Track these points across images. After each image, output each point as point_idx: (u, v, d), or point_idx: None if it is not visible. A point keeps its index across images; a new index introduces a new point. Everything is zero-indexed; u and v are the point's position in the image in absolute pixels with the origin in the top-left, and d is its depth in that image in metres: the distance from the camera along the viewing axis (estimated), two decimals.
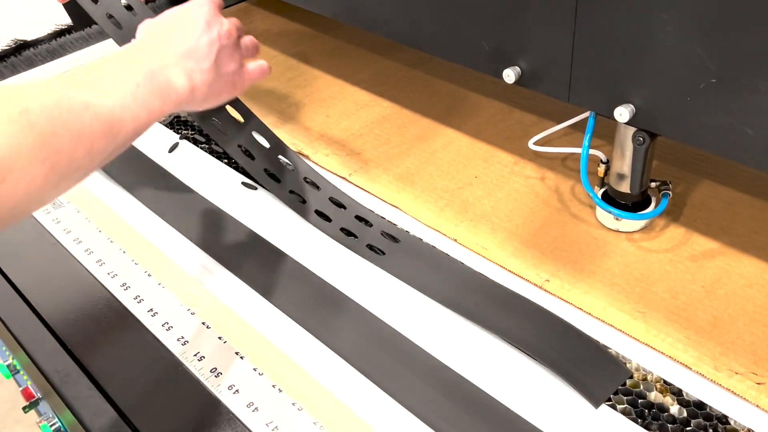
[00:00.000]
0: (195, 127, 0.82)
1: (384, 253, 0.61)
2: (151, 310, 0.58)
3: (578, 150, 0.61)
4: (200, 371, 0.53)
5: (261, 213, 0.68)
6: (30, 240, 0.67)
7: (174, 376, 0.53)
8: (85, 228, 0.67)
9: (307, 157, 0.74)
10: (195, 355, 0.54)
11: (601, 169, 0.62)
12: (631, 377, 0.51)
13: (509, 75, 0.56)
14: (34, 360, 0.56)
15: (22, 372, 0.86)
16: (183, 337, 0.56)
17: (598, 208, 0.62)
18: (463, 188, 0.68)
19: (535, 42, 0.54)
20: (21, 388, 0.87)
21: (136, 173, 0.74)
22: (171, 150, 0.78)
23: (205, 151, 0.78)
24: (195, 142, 0.79)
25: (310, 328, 0.56)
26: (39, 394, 0.85)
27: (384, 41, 0.94)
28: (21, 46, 0.97)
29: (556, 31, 0.52)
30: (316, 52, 0.94)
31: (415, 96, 0.83)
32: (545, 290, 0.57)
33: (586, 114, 0.61)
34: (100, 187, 0.72)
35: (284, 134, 0.78)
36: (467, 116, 0.78)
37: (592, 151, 0.61)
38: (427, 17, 0.61)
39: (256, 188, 0.71)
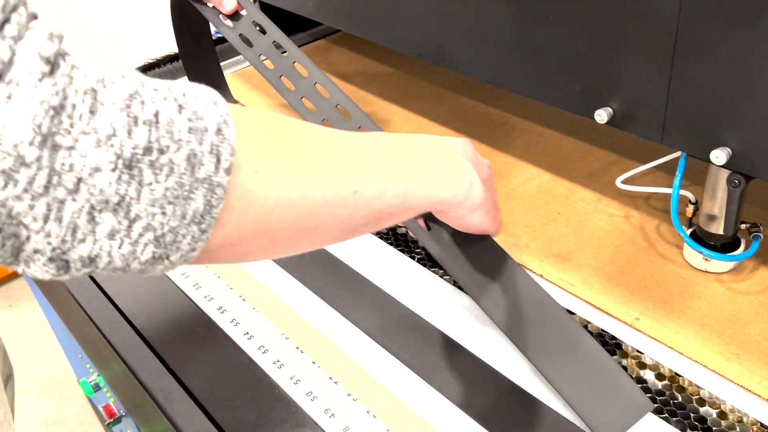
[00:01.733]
0: None
1: None
2: (247, 333, 0.60)
3: (666, 190, 0.61)
4: (295, 394, 0.55)
5: (346, 248, 0.70)
6: None
7: (270, 399, 0.55)
8: None
9: None
10: (291, 378, 0.56)
11: (690, 209, 0.63)
12: (726, 418, 0.51)
13: (601, 116, 0.57)
14: (137, 376, 0.59)
15: (105, 389, 0.89)
16: (279, 360, 0.58)
17: (686, 247, 0.63)
18: (546, 224, 0.69)
19: (628, 84, 0.55)
20: (102, 405, 0.91)
21: None
22: None
23: None
24: None
25: (392, 351, 0.57)
26: (122, 412, 0.88)
27: (459, 78, 0.96)
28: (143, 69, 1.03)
29: (651, 74, 0.53)
30: (393, 88, 0.97)
31: (492, 132, 0.85)
32: (636, 329, 0.57)
33: (675, 154, 0.62)
34: None
35: None
36: (546, 153, 0.80)
37: (680, 192, 0.61)
38: (518, 58, 0.62)
39: None
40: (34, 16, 0.28)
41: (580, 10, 0.56)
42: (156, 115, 0.30)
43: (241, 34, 0.74)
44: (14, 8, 0.27)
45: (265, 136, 0.35)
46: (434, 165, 0.45)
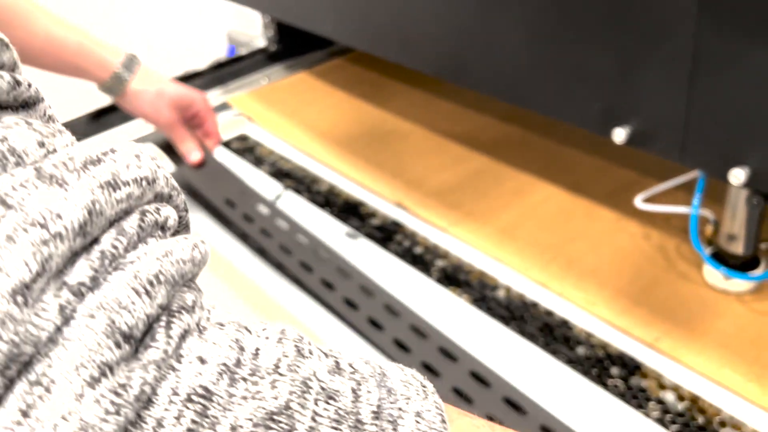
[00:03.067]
0: (296, 177, 0.86)
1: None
2: None
3: (686, 209, 0.61)
4: None
5: (365, 261, 0.70)
6: None
7: None
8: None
9: (406, 208, 0.77)
10: None
11: (710, 229, 0.62)
12: None
13: (619, 134, 0.57)
14: None
15: None
16: None
17: (706, 267, 0.62)
18: (566, 244, 0.69)
19: (647, 102, 0.55)
20: None
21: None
22: (276, 199, 0.82)
23: (308, 200, 0.81)
24: (297, 191, 0.83)
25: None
26: None
27: (477, 96, 0.96)
28: None
29: (670, 92, 0.53)
30: (411, 106, 0.97)
31: (510, 151, 0.85)
32: (657, 349, 0.57)
33: (694, 174, 0.61)
34: (214, 237, 0.76)
35: (383, 186, 0.80)
36: (565, 172, 0.79)
37: (700, 211, 0.61)
38: (536, 77, 0.63)
39: (358, 238, 0.74)
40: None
41: (598, 29, 0.56)
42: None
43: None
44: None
45: None
46: None
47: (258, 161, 0.90)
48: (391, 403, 0.21)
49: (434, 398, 0.23)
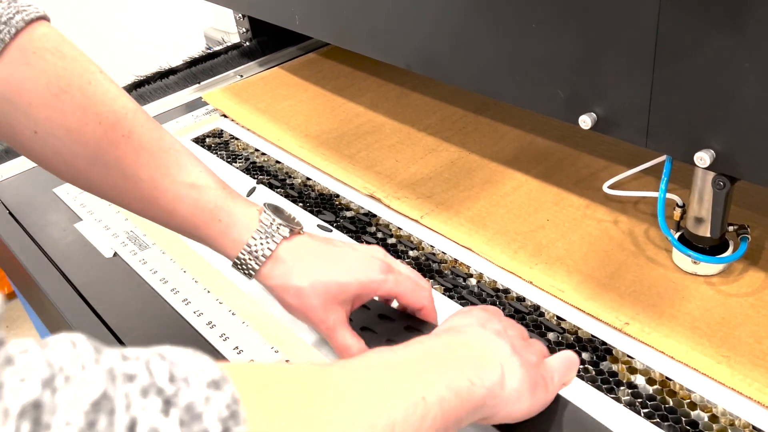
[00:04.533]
0: (270, 172, 0.85)
1: None
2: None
3: (653, 194, 0.61)
4: None
5: None
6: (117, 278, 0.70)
7: None
8: (168, 266, 0.70)
9: (379, 200, 0.77)
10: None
11: (677, 213, 0.63)
12: (717, 421, 0.51)
13: (585, 121, 0.57)
14: None
15: None
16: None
17: (674, 251, 0.63)
18: (535, 231, 0.69)
19: (612, 89, 0.56)
20: None
21: None
22: (249, 194, 0.81)
23: (281, 195, 0.81)
24: (271, 186, 0.83)
25: None
26: None
27: (448, 88, 0.97)
28: None
29: (633, 79, 0.53)
30: (383, 100, 0.97)
31: (481, 141, 0.85)
32: (626, 333, 0.57)
33: (661, 158, 0.62)
34: None
35: (356, 179, 0.80)
36: (535, 160, 0.80)
37: (667, 195, 0.61)
38: (502, 67, 0.63)
39: (331, 230, 0.73)
40: None
41: (561, 18, 0.56)
42: (132, 426, 0.23)
43: None
44: None
45: (285, 405, 0.30)
46: (453, 359, 0.41)
47: (232, 156, 0.89)
48: (177, 367, 0.26)
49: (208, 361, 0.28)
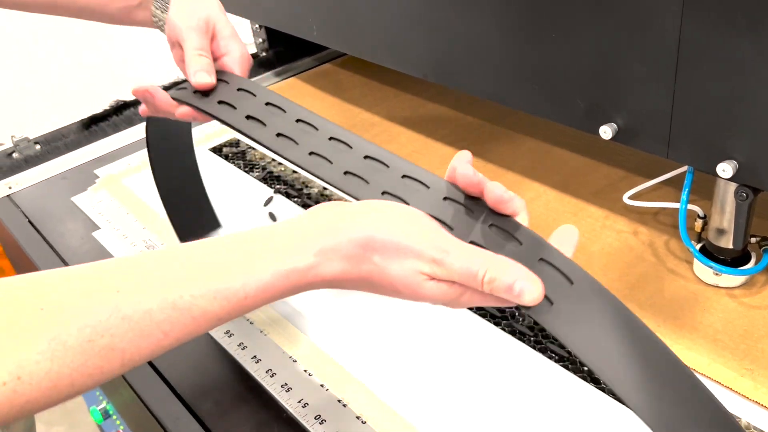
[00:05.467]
0: (287, 181, 0.85)
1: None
2: (255, 357, 0.60)
3: (674, 205, 0.61)
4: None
5: None
6: None
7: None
8: None
9: None
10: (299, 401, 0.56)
11: (699, 224, 0.62)
12: None
13: (606, 132, 0.57)
14: (145, 402, 0.58)
15: (114, 416, 0.89)
16: (286, 384, 0.57)
17: (696, 262, 0.62)
18: None
19: (633, 99, 0.55)
20: None
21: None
22: (267, 203, 0.81)
23: (298, 204, 0.81)
24: (288, 195, 0.83)
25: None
26: None
27: (465, 98, 0.97)
28: (121, 107, 1.04)
29: (655, 89, 0.53)
30: (399, 109, 0.97)
31: (498, 150, 0.85)
32: None
33: (683, 169, 0.61)
34: None
35: None
36: (553, 171, 0.79)
37: (688, 206, 0.61)
38: (521, 76, 0.63)
39: None
40: None
41: (582, 27, 0.56)
42: None
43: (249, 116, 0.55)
44: None
45: None
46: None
47: (249, 166, 0.89)
48: None
49: None
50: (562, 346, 0.58)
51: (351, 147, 0.49)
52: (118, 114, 1.02)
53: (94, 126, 1.00)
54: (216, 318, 0.37)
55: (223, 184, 0.86)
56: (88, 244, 0.78)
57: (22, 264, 0.83)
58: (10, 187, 0.90)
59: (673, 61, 0.51)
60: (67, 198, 0.86)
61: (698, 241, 0.63)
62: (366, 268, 0.39)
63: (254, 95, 0.56)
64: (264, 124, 0.53)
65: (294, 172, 0.87)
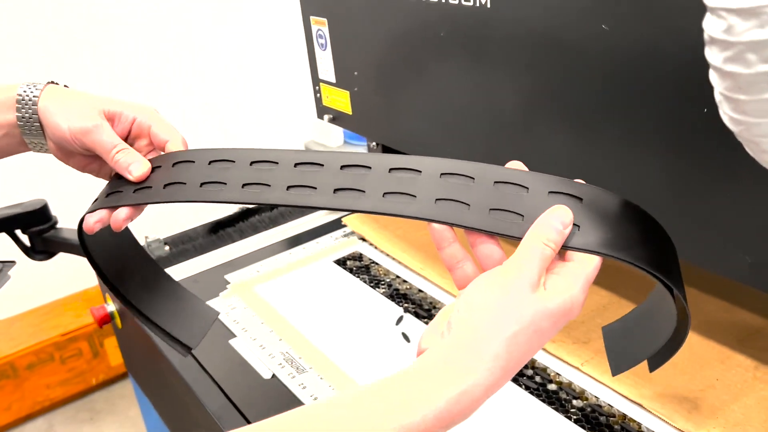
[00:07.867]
0: (414, 300, 0.87)
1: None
2: None
3: None
4: None
5: None
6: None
7: None
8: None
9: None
10: None
11: None
12: None
13: None
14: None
15: None
16: None
17: None
18: (705, 391, 0.68)
19: None
20: None
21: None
22: (398, 322, 0.83)
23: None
24: (417, 315, 0.84)
25: None
26: None
27: None
28: (246, 213, 1.08)
29: None
30: None
31: (632, 285, 0.85)
32: None
33: None
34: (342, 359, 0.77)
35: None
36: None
37: None
38: (682, 226, 0.64)
39: None
40: None
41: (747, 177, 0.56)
42: None
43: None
44: None
45: None
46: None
47: (375, 281, 0.91)
48: None
49: None
50: None
51: (322, 165, 0.50)
52: (244, 220, 1.07)
53: (221, 230, 1.05)
54: None
55: (351, 298, 0.88)
56: (226, 352, 0.80)
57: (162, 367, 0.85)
58: None
59: None
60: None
61: None
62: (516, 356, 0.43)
63: (193, 162, 0.54)
64: (224, 183, 0.51)
65: (420, 291, 0.89)
